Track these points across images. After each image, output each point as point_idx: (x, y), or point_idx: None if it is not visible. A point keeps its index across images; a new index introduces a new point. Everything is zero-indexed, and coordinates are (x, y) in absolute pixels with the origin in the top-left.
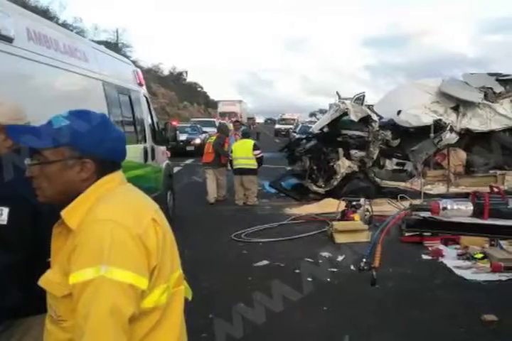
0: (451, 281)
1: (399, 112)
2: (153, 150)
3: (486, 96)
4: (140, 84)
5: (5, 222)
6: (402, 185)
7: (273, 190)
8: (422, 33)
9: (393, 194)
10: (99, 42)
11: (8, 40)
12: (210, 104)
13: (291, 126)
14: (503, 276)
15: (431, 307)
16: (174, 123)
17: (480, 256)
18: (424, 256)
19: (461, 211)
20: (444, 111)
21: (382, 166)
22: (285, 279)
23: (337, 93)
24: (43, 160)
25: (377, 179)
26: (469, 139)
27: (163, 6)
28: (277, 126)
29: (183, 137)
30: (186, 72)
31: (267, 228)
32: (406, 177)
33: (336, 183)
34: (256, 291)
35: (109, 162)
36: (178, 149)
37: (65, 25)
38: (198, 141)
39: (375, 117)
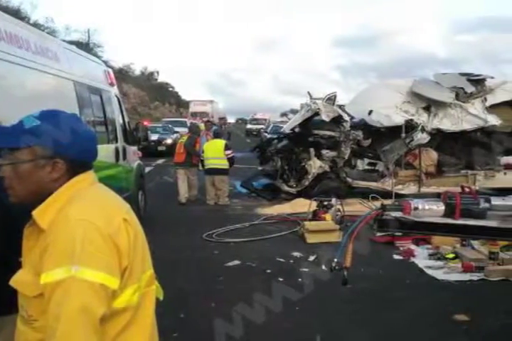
0: (422, 281)
1: (370, 112)
2: (124, 150)
3: (457, 96)
4: (111, 84)
5: None
6: (373, 185)
7: (244, 190)
8: (393, 33)
9: (364, 194)
10: (71, 43)
11: None
12: (182, 104)
13: (262, 126)
14: (475, 276)
15: (402, 307)
16: (145, 123)
17: (451, 256)
18: (396, 256)
19: (432, 211)
20: (416, 111)
21: (353, 166)
22: (256, 279)
23: (308, 93)
24: (14, 160)
25: (348, 179)
26: (441, 139)
27: (135, 6)
28: (249, 126)
29: (154, 137)
30: (157, 72)
31: (239, 228)
32: (377, 177)
33: (307, 183)
34: (227, 291)
35: (80, 162)
36: (149, 149)
37: (36, 25)
38: (169, 141)
39: (346, 117)
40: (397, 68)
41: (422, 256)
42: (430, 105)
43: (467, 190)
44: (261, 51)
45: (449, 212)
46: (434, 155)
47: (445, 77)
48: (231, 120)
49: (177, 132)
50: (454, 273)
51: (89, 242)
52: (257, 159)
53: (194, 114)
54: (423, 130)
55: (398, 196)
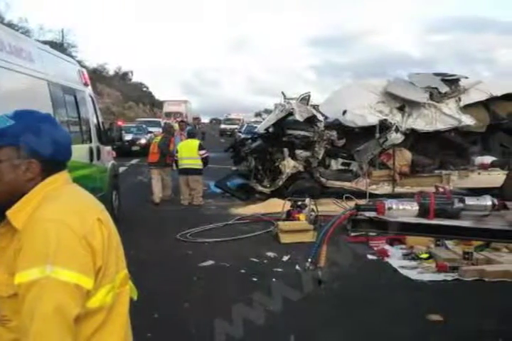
0: (396, 281)
1: (344, 112)
2: (98, 150)
3: (431, 96)
4: (85, 84)
5: None
6: (347, 185)
7: (218, 190)
8: (367, 33)
9: (338, 194)
10: (45, 43)
11: None
12: (156, 104)
13: (236, 126)
14: (449, 276)
15: (376, 307)
16: (120, 123)
17: (425, 256)
18: (370, 256)
19: (406, 211)
20: (390, 111)
21: (327, 166)
22: (230, 279)
23: (282, 93)
24: None
25: (322, 179)
26: (415, 139)
27: (109, 5)
28: (223, 126)
29: (128, 137)
30: (132, 72)
31: (213, 228)
32: (351, 177)
33: (281, 183)
34: (201, 291)
35: (54, 162)
36: (123, 149)
37: (10, 25)
38: (143, 140)
39: (320, 117)
40: (372, 68)
41: (396, 256)
42: (404, 105)
43: (441, 190)
44: (235, 51)
45: (423, 212)
46: (408, 155)
47: (419, 77)
48: (205, 120)
49: (151, 132)
50: (428, 273)
51: (63, 242)
52: (231, 159)
53: (168, 114)
54: (397, 130)
55: (372, 196)
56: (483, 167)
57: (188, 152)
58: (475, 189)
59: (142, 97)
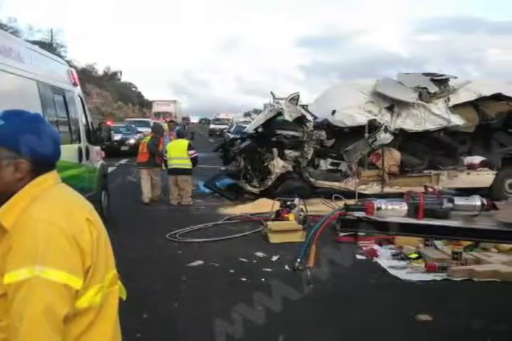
0: (385, 281)
1: (333, 112)
2: (87, 150)
3: (420, 96)
4: (74, 84)
5: None
6: (336, 185)
7: (208, 190)
8: (356, 33)
9: (328, 194)
10: (34, 43)
11: None
12: (145, 104)
13: (225, 126)
14: (438, 276)
15: (365, 307)
16: (109, 123)
17: (414, 256)
18: (359, 256)
19: (395, 211)
20: (379, 111)
21: (316, 166)
22: (219, 279)
23: (271, 93)
24: None
25: (311, 179)
26: (404, 139)
27: (98, 5)
28: (212, 126)
29: (117, 137)
30: (121, 72)
31: (202, 228)
32: (340, 177)
33: (270, 183)
34: (190, 291)
35: (43, 162)
36: (112, 149)
37: None
38: (132, 141)
39: (309, 117)
40: (361, 68)
41: (385, 256)
42: (393, 105)
43: (430, 190)
44: (224, 51)
45: (413, 212)
46: (397, 155)
47: (408, 77)
48: (194, 120)
49: (140, 132)
50: (417, 273)
51: (52, 242)
52: (220, 159)
53: (157, 114)
54: (386, 130)
55: (361, 196)
56: (472, 167)
57: (177, 152)
58: (464, 189)
59: (131, 97)
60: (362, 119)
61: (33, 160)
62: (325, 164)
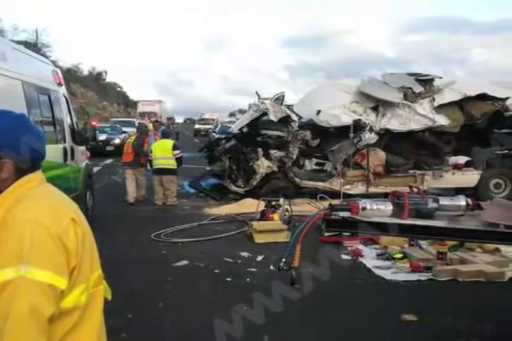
0: (370, 281)
1: (318, 112)
2: (72, 150)
3: (405, 96)
4: (59, 84)
5: None
6: (321, 185)
7: (192, 190)
8: (341, 33)
9: (313, 194)
10: (19, 43)
11: None
12: (130, 104)
13: (210, 126)
14: (423, 276)
15: (350, 307)
16: (94, 123)
17: (399, 256)
18: (344, 256)
19: (380, 211)
20: (364, 111)
21: (301, 166)
22: (204, 279)
23: (256, 93)
24: None
25: (296, 179)
26: (389, 139)
27: (83, 5)
28: (197, 126)
29: (102, 137)
30: (106, 72)
31: (187, 228)
32: (325, 177)
33: (255, 183)
34: (175, 291)
35: (28, 162)
36: (97, 149)
37: None
38: (117, 141)
39: (294, 117)
40: (346, 68)
41: (370, 256)
42: (378, 105)
43: (415, 190)
44: (209, 51)
45: (398, 212)
46: (382, 155)
47: (393, 77)
48: (179, 120)
49: (125, 132)
50: (402, 273)
51: (37, 242)
52: (205, 159)
53: (142, 114)
54: (371, 130)
55: (346, 196)
56: (457, 167)
57: (162, 152)
58: (449, 189)
59: (116, 97)
60: (347, 119)
61: (18, 160)
62: (310, 164)
